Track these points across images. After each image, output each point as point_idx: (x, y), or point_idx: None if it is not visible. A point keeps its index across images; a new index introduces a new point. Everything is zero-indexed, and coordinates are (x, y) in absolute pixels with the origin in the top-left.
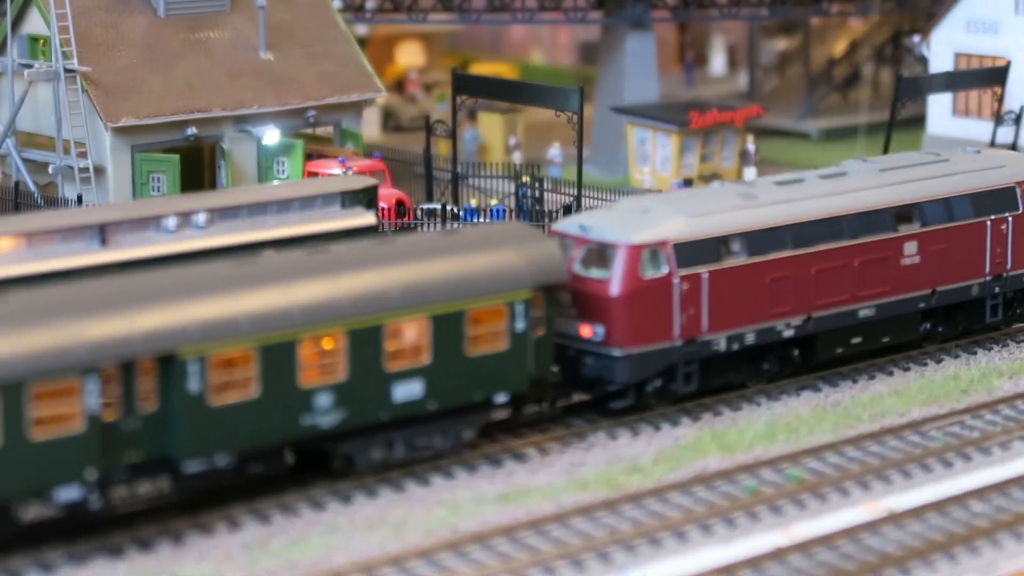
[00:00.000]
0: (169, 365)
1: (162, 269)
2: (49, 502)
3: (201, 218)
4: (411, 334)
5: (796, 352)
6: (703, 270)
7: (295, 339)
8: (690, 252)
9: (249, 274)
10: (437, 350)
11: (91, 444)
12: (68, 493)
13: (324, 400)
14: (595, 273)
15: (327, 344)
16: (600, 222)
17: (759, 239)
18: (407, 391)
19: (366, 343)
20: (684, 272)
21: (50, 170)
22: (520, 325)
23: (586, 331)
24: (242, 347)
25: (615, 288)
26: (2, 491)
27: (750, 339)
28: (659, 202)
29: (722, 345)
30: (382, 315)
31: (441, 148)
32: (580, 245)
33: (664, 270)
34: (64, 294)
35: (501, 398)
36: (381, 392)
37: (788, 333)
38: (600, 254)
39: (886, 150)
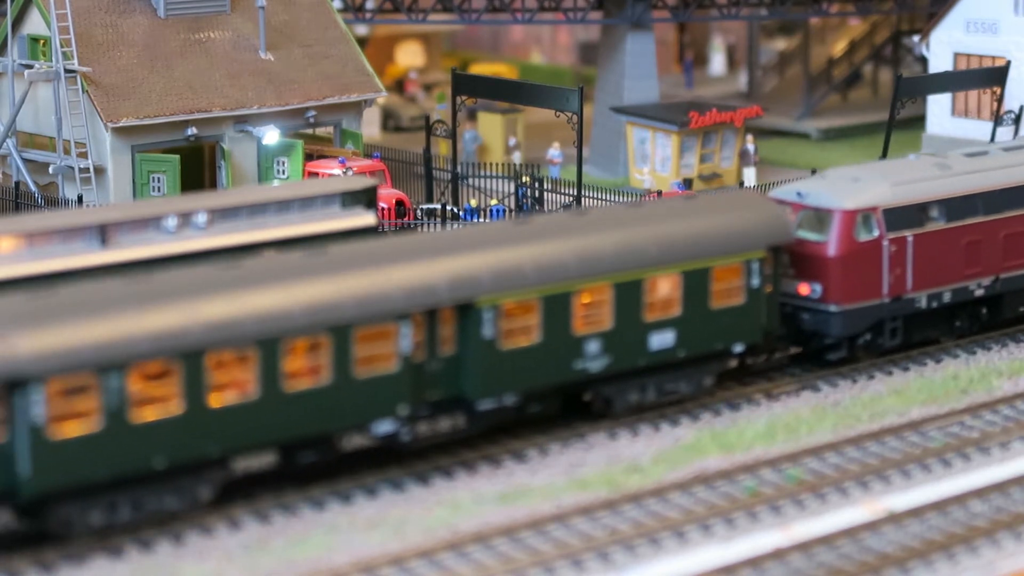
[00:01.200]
0: (467, 313)
1: (457, 227)
2: (367, 434)
3: (201, 218)
4: (665, 288)
5: (984, 311)
6: (908, 234)
7: (571, 291)
8: (897, 217)
9: (529, 232)
10: (686, 303)
11: (404, 382)
12: (384, 426)
13: (593, 347)
14: (812, 236)
15: (596, 296)
16: (816, 190)
17: (956, 206)
18: (661, 340)
19: (628, 295)
20: (892, 235)
21: (50, 170)
22: (755, 281)
23: (804, 289)
24: (528, 297)
25: (832, 249)
26: (332, 424)
27: (947, 298)
28: (867, 172)
29: (923, 303)
30: (642, 270)
31: (441, 148)
32: (797, 211)
33: (875, 233)
34: (379, 247)
35: (738, 348)
36: (640, 340)
37: (979, 292)
38: (817, 219)
39: (886, 150)
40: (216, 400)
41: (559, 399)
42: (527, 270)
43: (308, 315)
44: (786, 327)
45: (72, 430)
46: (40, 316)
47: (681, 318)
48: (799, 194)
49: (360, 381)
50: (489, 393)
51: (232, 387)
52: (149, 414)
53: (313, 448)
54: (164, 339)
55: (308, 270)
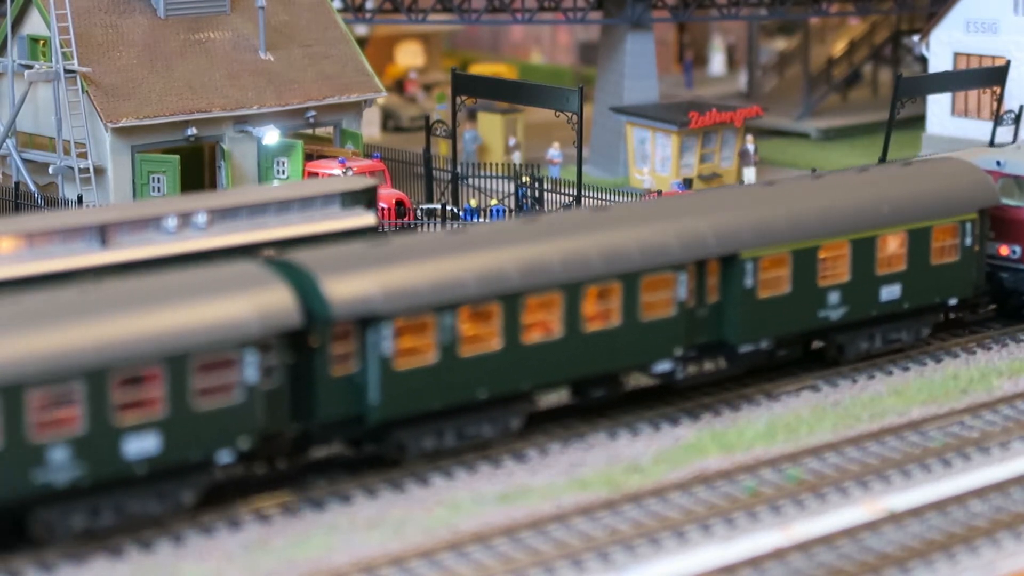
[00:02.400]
0: (731, 265)
1: (719, 189)
2: (648, 372)
3: (201, 218)
4: (893, 245)
5: None
6: None
7: (817, 245)
8: None
9: (779, 193)
10: (911, 259)
11: (679, 326)
12: (662, 365)
13: (834, 297)
14: (1012, 201)
15: (837, 252)
16: (1014, 159)
17: None
18: (890, 292)
19: (864, 252)
20: None
21: (50, 170)
22: (968, 241)
23: (1004, 250)
24: (781, 251)
25: None
26: (620, 362)
27: None
28: None
29: None
30: (876, 229)
31: (441, 148)
32: (997, 178)
33: None
34: (657, 204)
35: (952, 301)
36: (873, 292)
37: None
38: (1016, 185)
39: (886, 150)
40: (528, 338)
41: (801, 346)
42: (781, 227)
43: (604, 263)
44: (987, 285)
45: (412, 363)
46: (386, 262)
47: (906, 272)
48: (999, 163)
49: (644, 324)
50: (748, 338)
51: (540, 327)
52: (474, 350)
53: (602, 385)
54: (488, 283)
55: (601, 224)
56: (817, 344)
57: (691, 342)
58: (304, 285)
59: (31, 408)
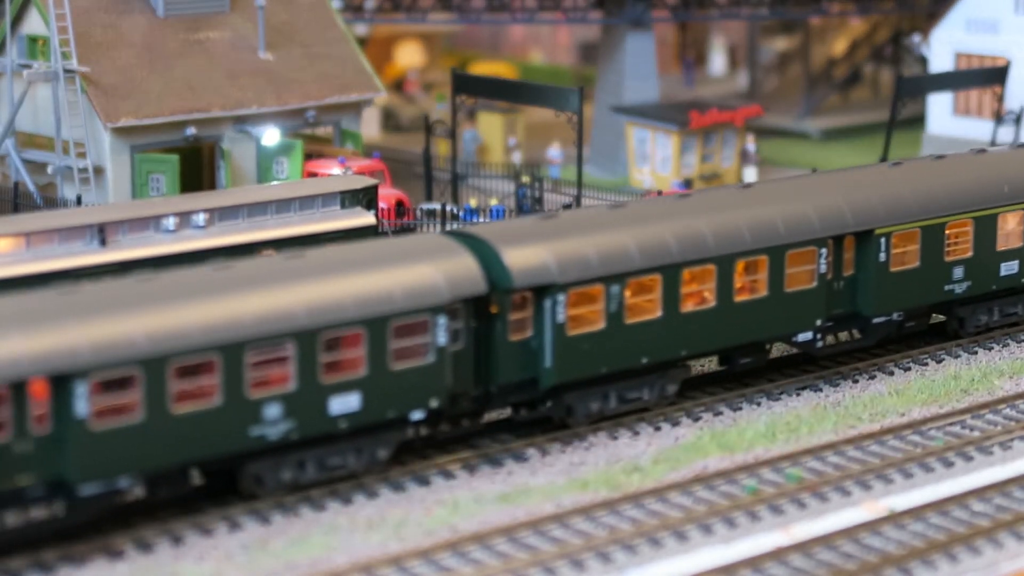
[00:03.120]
0: (866, 240)
1: (853, 169)
2: (791, 342)
3: (200, 218)
4: (1012, 223)
5: None
6: None
7: (944, 223)
8: None
9: (907, 173)
10: None
11: (820, 298)
12: (805, 335)
13: (958, 271)
14: None
15: (961, 229)
16: None
17: None
18: (1008, 267)
19: (985, 229)
20: None
21: (49, 170)
22: None
23: None
24: (912, 227)
25: None
26: (766, 332)
27: None
28: None
29: None
30: (996, 208)
31: (441, 148)
32: None
33: None
34: (796, 183)
35: None
36: (994, 268)
37: None
38: None
39: (886, 150)
40: (685, 308)
41: (927, 319)
42: (911, 205)
43: (754, 237)
44: None
45: (583, 330)
46: (558, 235)
47: (1023, 249)
48: None
49: (789, 296)
50: (881, 310)
51: (696, 297)
52: (637, 318)
53: (750, 354)
54: (653, 257)
55: (748, 201)
56: (937, 318)
57: (830, 313)
58: (486, 255)
59: (248, 366)
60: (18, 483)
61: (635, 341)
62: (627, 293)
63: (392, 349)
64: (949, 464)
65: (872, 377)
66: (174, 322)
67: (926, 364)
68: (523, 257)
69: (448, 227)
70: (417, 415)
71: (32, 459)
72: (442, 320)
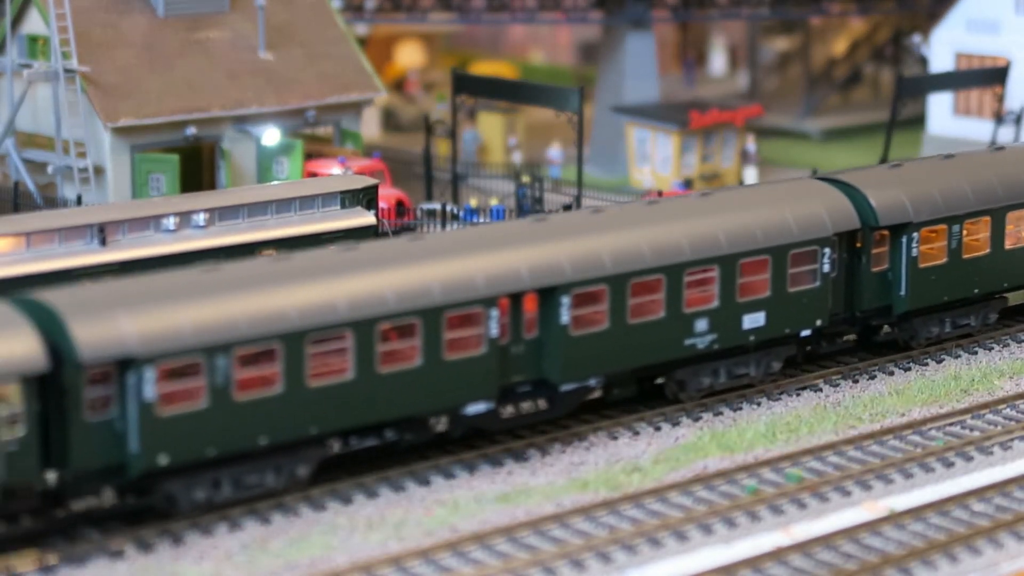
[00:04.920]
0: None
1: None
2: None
3: (200, 218)
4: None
5: None
6: None
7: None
8: None
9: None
10: None
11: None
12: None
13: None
14: None
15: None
16: None
17: None
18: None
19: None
20: None
21: (49, 170)
22: None
23: None
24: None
25: None
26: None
27: None
28: None
29: None
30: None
31: (441, 148)
32: None
33: None
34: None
35: None
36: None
37: None
38: None
39: (887, 150)
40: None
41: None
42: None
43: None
44: None
45: (931, 263)
46: (911, 182)
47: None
48: None
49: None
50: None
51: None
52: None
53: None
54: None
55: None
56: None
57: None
58: (855, 197)
59: (685, 285)
60: (513, 380)
61: (968, 273)
62: (964, 232)
63: (790, 274)
64: (949, 464)
65: (872, 377)
66: (669, 239)
67: (926, 364)
68: (885, 198)
69: (448, 227)
70: (805, 332)
71: (524, 360)
72: (827, 251)
